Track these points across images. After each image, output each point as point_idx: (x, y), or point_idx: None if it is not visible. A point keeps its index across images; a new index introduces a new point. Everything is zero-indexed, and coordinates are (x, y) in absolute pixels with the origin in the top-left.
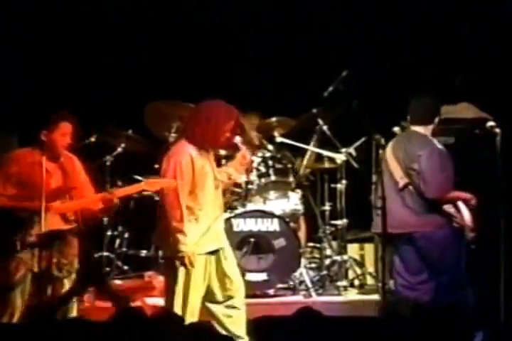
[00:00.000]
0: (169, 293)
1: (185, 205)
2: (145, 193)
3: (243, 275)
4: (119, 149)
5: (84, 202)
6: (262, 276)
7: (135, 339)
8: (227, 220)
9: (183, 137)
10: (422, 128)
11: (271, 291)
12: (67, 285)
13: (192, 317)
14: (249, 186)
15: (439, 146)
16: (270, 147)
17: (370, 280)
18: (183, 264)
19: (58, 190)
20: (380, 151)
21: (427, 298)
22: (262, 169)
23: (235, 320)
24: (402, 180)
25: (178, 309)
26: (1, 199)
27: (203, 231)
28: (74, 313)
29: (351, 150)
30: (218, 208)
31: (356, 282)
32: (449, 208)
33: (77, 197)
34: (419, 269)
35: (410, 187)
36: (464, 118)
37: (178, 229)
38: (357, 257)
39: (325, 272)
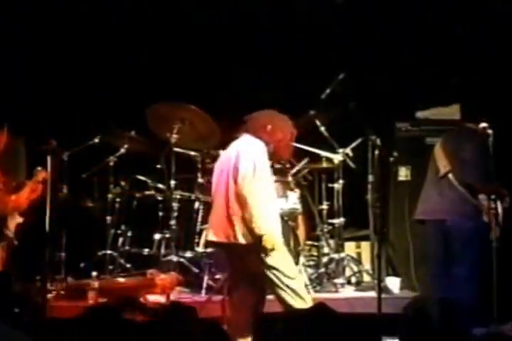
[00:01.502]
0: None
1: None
2: (147, 193)
3: None
4: (122, 150)
5: (27, 193)
6: None
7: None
8: None
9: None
10: (473, 125)
11: None
12: None
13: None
14: None
15: (486, 141)
16: None
17: (366, 278)
18: (268, 248)
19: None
20: (376, 152)
21: (442, 288)
22: None
23: None
24: (444, 168)
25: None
26: None
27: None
28: None
29: (348, 150)
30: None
31: (353, 279)
32: (483, 200)
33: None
34: (441, 258)
35: (450, 176)
36: (457, 120)
37: (259, 214)
38: (354, 255)
39: (323, 269)
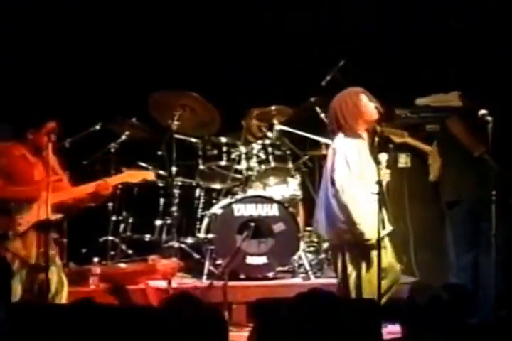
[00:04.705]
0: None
1: (358, 190)
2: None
3: (244, 258)
4: (124, 137)
5: (77, 191)
6: (262, 260)
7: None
8: (229, 205)
9: (338, 132)
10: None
11: (271, 274)
12: (54, 275)
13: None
14: (250, 172)
15: None
16: (270, 134)
17: None
18: (371, 248)
19: (43, 181)
20: (376, 138)
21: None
22: (262, 156)
23: None
24: (477, 150)
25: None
26: None
27: (376, 214)
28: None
29: None
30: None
31: None
32: None
33: (58, 189)
34: (473, 236)
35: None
36: (455, 107)
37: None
38: None
39: (323, 255)
